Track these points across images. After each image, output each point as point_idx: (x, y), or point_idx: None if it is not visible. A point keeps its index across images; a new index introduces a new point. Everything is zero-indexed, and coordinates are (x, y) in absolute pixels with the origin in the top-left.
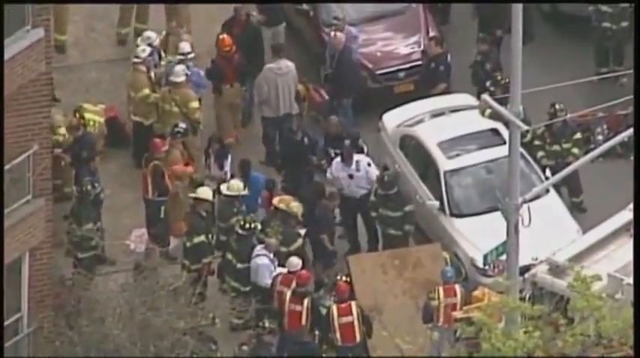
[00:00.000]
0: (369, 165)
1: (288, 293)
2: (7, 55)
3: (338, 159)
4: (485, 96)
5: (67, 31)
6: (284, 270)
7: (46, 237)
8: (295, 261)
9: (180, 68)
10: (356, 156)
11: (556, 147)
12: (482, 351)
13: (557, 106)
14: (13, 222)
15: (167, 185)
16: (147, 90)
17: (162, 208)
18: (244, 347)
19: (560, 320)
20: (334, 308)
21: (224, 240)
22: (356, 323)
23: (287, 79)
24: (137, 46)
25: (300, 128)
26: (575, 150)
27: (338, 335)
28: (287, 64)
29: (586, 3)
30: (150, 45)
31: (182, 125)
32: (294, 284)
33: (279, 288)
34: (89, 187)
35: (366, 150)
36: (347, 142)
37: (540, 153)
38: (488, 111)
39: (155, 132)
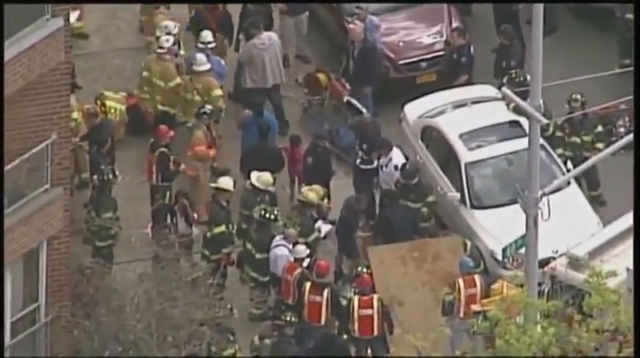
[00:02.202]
0: (395, 167)
1: (308, 285)
2: (26, 44)
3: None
4: (506, 89)
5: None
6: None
7: (64, 226)
8: (301, 249)
9: (202, 57)
10: (392, 153)
11: (575, 139)
12: (497, 348)
13: (573, 97)
14: (31, 211)
15: (173, 171)
16: (179, 79)
17: (167, 193)
18: (265, 341)
19: (576, 315)
20: (355, 299)
21: (245, 228)
22: (375, 316)
23: (272, 51)
24: (157, 37)
25: (327, 136)
26: (600, 145)
27: (356, 326)
28: (269, 36)
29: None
30: (169, 34)
31: (208, 106)
32: (313, 275)
33: (284, 276)
34: (110, 176)
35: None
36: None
37: (560, 145)
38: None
39: (177, 121)
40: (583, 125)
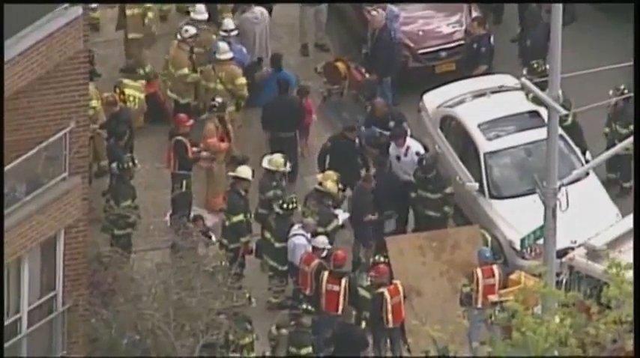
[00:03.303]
0: (417, 154)
1: (325, 274)
2: (45, 33)
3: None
4: (525, 80)
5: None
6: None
7: (82, 214)
8: (321, 239)
9: (225, 45)
10: (409, 141)
11: (606, 129)
12: (513, 340)
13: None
14: (49, 200)
15: (190, 159)
16: (186, 70)
17: (185, 181)
18: (283, 331)
19: (594, 306)
20: (385, 292)
21: (263, 213)
22: (402, 302)
23: (263, 26)
24: (181, 28)
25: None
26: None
27: (390, 316)
28: (262, 11)
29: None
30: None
31: (218, 99)
32: (331, 265)
33: (301, 266)
34: (130, 164)
35: (409, 132)
36: (391, 124)
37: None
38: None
39: (194, 110)
40: (625, 114)
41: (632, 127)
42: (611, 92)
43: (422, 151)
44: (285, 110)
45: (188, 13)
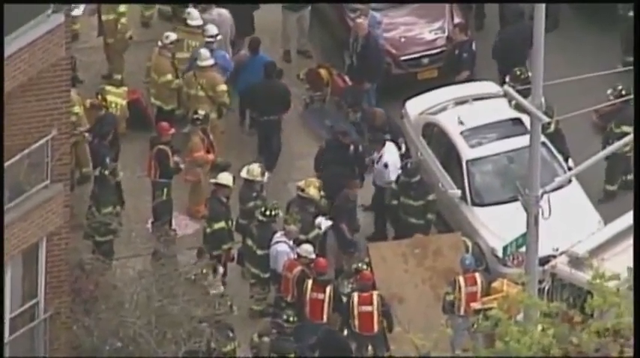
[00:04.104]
0: (385, 165)
1: (310, 282)
2: (27, 40)
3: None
4: (507, 88)
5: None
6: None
7: (64, 222)
8: (307, 248)
9: (206, 52)
10: (385, 150)
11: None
12: (497, 349)
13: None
14: (31, 207)
15: (171, 168)
16: (170, 76)
17: (166, 189)
18: (264, 339)
19: (577, 316)
20: (355, 296)
21: (243, 223)
22: (375, 313)
23: (223, 31)
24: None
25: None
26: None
27: (356, 322)
28: (220, 12)
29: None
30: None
31: (201, 112)
32: (314, 273)
33: (283, 273)
34: (108, 171)
35: (403, 148)
36: (387, 137)
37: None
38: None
39: (177, 118)
40: (622, 114)
41: (624, 128)
42: (609, 91)
43: (390, 163)
44: (272, 94)
45: (170, 19)
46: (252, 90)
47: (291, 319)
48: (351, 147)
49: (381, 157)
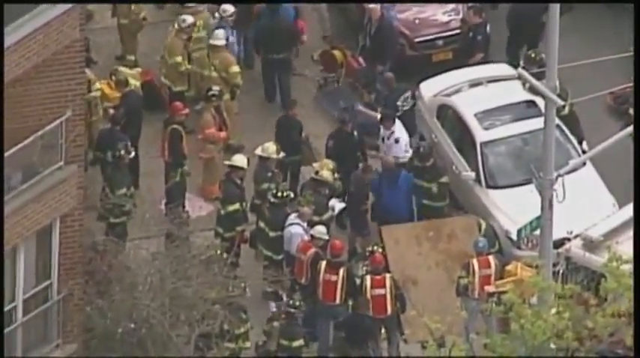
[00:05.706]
0: (395, 141)
1: (323, 264)
2: (42, 21)
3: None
4: (522, 70)
5: None
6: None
7: (78, 203)
8: (321, 229)
9: (220, 31)
10: (395, 127)
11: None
12: (512, 332)
13: None
14: (44, 189)
15: (184, 148)
16: (179, 58)
17: (180, 170)
18: (274, 324)
19: (592, 299)
20: (368, 278)
21: (258, 203)
22: (388, 296)
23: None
24: (180, 16)
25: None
26: None
27: (369, 305)
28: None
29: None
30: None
31: (216, 88)
32: (328, 255)
33: (297, 255)
34: (123, 152)
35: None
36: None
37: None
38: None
39: (187, 99)
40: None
41: None
42: None
43: (401, 139)
44: (278, 31)
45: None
46: (260, 29)
47: (297, 303)
48: (355, 133)
49: (392, 133)
